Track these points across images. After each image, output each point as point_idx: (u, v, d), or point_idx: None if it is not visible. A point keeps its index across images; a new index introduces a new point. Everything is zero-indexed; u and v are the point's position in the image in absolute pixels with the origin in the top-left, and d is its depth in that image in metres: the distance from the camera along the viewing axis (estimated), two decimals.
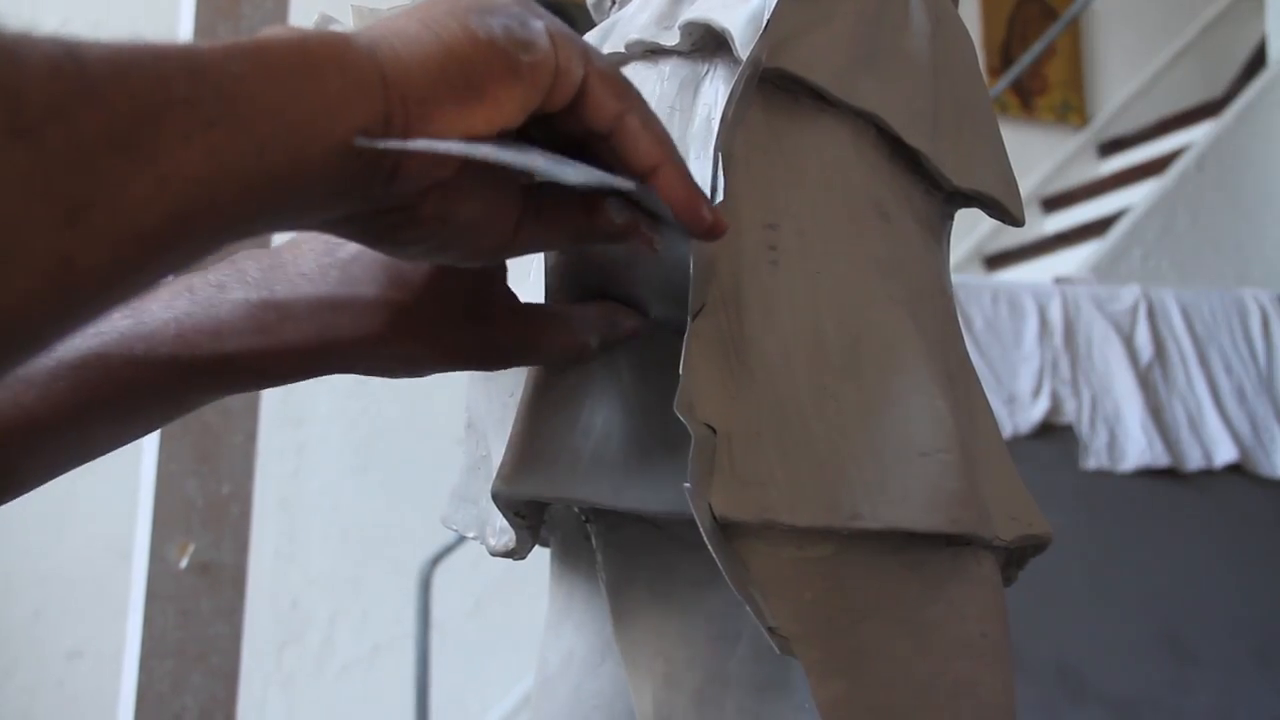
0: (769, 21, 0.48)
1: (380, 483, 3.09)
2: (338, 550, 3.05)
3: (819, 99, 0.51)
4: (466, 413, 0.61)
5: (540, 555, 0.60)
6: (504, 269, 0.50)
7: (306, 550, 3.02)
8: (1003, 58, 4.45)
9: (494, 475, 0.52)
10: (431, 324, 0.47)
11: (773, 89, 0.50)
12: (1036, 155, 4.46)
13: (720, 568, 0.43)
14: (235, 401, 1.33)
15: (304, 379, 0.49)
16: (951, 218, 0.57)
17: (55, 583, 2.79)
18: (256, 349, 0.47)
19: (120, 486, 2.52)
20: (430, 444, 2.93)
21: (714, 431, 0.45)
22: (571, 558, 0.58)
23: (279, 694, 2.94)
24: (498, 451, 0.55)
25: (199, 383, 0.48)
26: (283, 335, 0.47)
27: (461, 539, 2.33)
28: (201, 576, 1.25)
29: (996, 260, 4.12)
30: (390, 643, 3.04)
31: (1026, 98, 4.52)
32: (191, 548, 1.25)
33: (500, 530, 0.57)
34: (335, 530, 3.06)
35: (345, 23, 0.59)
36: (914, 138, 0.52)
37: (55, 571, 2.78)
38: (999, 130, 0.58)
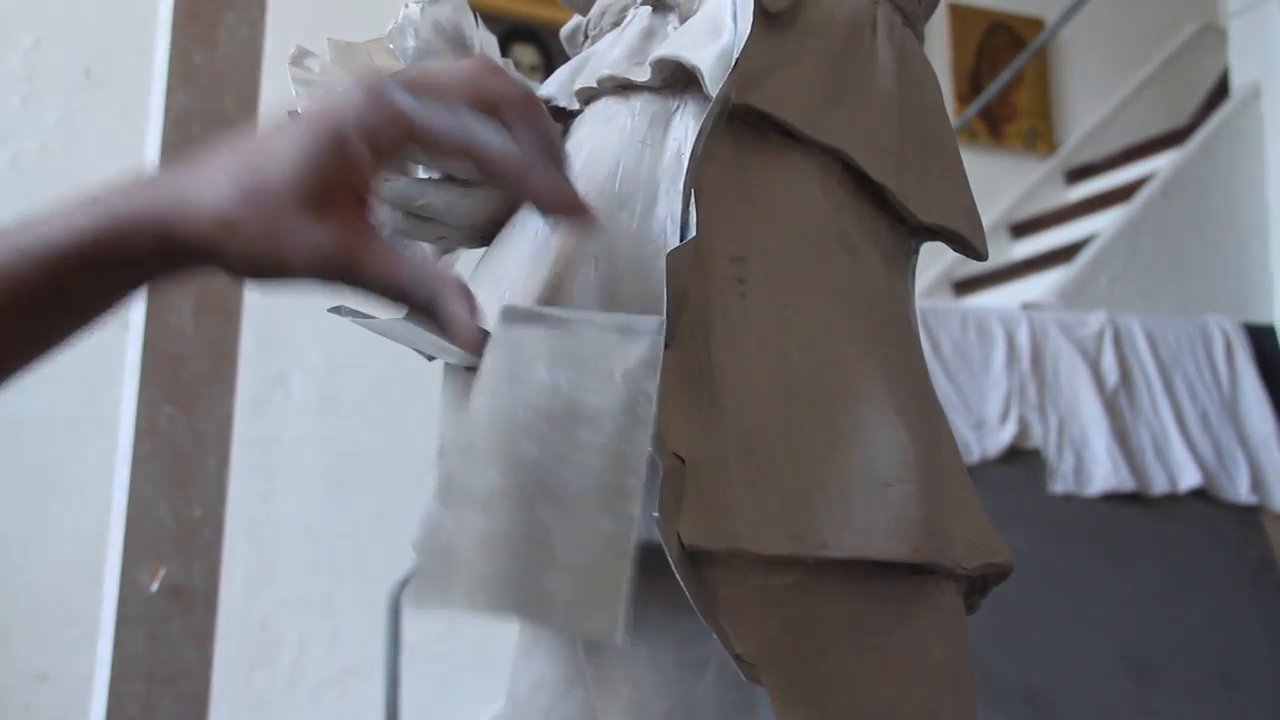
0: (738, 59, 0.49)
1: (351, 505, 3.08)
2: (308, 572, 3.03)
3: (787, 135, 0.52)
4: (439, 440, 0.61)
5: None
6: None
7: (276, 572, 3.00)
8: (971, 85, 4.49)
9: None
10: (282, 207, 0.46)
11: (741, 125, 0.52)
12: (1005, 182, 4.50)
13: (688, 596, 0.44)
14: (207, 425, 1.33)
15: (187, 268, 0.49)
16: (917, 251, 0.58)
17: (23, 604, 2.76)
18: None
19: (88, 508, 2.50)
20: (401, 467, 2.92)
21: (682, 461, 0.46)
22: None
23: (248, 716, 2.92)
24: None
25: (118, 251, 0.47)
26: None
27: None
28: (172, 600, 1.24)
29: (965, 285, 4.14)
30: (360, 665, 3.02)
31: (995, 125, 4.56)
32: (163, 571, 1.24)
33: None
34: (306, 552, 3.04)
35: (321, 55, 0.60)
36: (879, 174, 0.53)
37: (23, 593, 2.75)
38: (963, 166, 0.59)
